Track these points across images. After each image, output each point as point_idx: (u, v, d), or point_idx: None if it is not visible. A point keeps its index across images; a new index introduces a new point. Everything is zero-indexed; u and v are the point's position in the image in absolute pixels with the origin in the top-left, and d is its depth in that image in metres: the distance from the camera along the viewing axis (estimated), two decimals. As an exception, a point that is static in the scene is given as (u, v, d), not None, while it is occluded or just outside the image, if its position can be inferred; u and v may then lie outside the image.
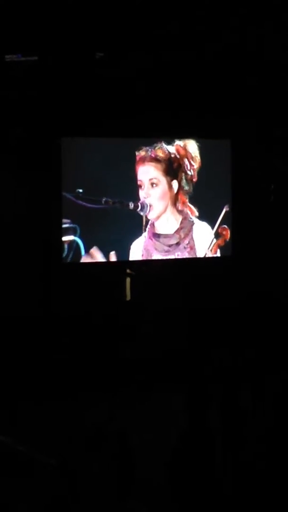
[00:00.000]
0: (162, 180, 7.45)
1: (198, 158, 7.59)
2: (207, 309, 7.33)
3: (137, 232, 7.45)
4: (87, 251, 7.26)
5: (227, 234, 7.75)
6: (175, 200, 7.51)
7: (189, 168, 7.57)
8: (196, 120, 7.45)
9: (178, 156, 7.53)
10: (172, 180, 7.48)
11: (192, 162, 7.58)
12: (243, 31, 6.49)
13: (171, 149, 7.50)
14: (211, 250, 7.69)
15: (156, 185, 7.43)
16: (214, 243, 7.70)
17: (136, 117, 7.25)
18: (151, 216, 7.43)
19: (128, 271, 7.45)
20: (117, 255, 7.38)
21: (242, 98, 7.64)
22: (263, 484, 4.38)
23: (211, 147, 7.75)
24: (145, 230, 7.45)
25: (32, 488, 4.61)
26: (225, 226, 7.73)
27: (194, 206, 7.60)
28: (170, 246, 7.56)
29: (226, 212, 7.71)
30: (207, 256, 7.67)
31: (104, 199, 7.24)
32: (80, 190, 7.17)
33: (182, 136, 7.55)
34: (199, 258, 7.68)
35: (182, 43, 6.65)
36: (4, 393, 6.21)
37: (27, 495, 4.52)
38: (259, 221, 7.93)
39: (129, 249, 7.43)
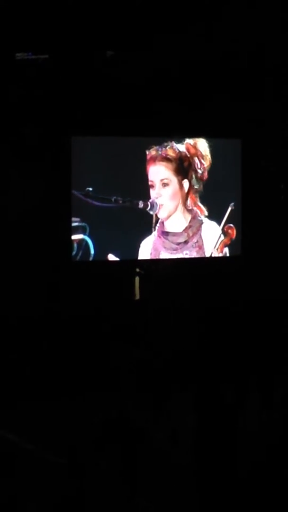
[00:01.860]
0: (173, 179, 7.44)
1: (208, 156, 7.58)
2: (217, 310, 7.31)
3: (147, 231, 7.45)
4: (96, 250, 7.26)
5: (233, 232, 7.73)
6: (185, 199, 7.50)
7: (199, 166, 7.55)
8: (206, 119, 7.44)
9: (188, 154, 7.51)
10: (183, 179, 7.47)
11: (202, 160, 7.56)
12: (256, 31, 6.48)
13: (181, 147, 7.49)
14: (217, 249, 7.68)
15: (168, 185, 7.42)
16: (221, 242, 7.68)
17: (147, 116, 7.24)
18: (161, 215, 7.42)
19: (137, 270, 7.44)
20: (127, 254, 7.38)
21: (253, 98, 7.62)
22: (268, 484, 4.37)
23: (222, 146, 7.73)
24: (155, 229, 7.45)
25: (41, 486, 4.60)
26: (231, 225, 7.71)
27: (204, 205, 7.60)
28: (178, 244, 7.56)
29: (231, 210, 7.69)
30: (213, 255, 7.66)
31: (114, 198, 7.24)
32: (90, 189, 7.17)
33: (192, 135, 7.53)
34: (208, 258, 7.67)
35: (194, 41, 6.65)
36: (11, 391, 6.21)
37: (36, 494, 4.52)
38: (269, 220, 7.90)
39: (138, 248, 7.43)
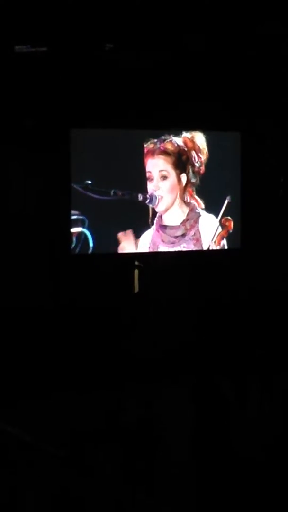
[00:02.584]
0: (172, 173, 7.45)
1: (205, 150, 7.58)
2: (216, 302, 7.33)
3: (146, 224, 7.46)
4: (95, 242, 7.27)
5: (230, 225, 7.74)
6: (183, 193, 7.51)
7: (196, 160, 7.56)
8: (206, 113, 7.43)
9: (185, 148, 7.51)
10: (181, 173, 7.48)
11: (199, 154, 7.57)
12: (255, 24, 6.46)
13: (179, 141, 7.49)
14: (214, 242, 7.68)
15: (166, 178, 7.43)
16: (218, 234, 7.69)
17: (147, 109, 7.24)
18: (159, 208, 7.44)
19: (136, 263, 7.44)
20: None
21: (253, 91, 7.62)
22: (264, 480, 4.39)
23: (220, 140, 7.73)
24: (153, 223, 7.46)
25: (40, 478, 4.62)
26: (229, 217, 7.72)
27: (201, 198, 7.59)
28: (176, 237, 7.57)
29: (228, 203, 7.69)
30: (211, 248, 7.66)
31: (113, 191, 7.24)
32: (89, 182, 7.17)
33: (191, 128, 7.53)
34: (207, 251, 7.68)
35: (192, 34, 6.64)
36: (10, 385, 6.22)
37: (35, 486, 4.54)
38: (268, 214, 7.91)
39: (137, 241, 7.43)
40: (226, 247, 7.74)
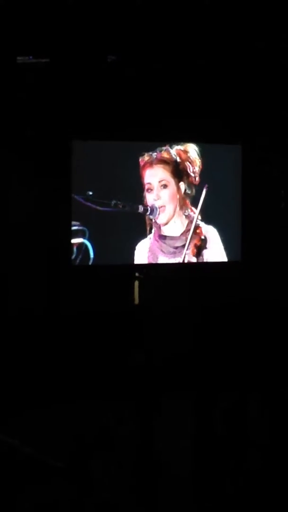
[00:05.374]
0: (171, 181, 7.46)
1: (197, 161, 7.56)
2: (216, 314, 7.30)
3: (143, 235, 7.45)
4: (96, 253, 7.27)
5: (201, 231, 7.62)
6: (182, 202, 7.51)
7: (191, 170, 7.55)
8: (206, 125, 7.45)
9: (180, 160, 7.51)
10: (179, 181, 7.49)
11: (193, 165, 7.56)
12: (255, 36, 6.49)
13: (173, 152, 7.50)
14: (189, 252, 7.59)
15: (166, 186, 7.44)
16: (191, 243, 7.60)
17: (149, 121, 7.25)
18: (160, 220, 7.43)
19: (136, 274, 7.44)
20: (126, 258, 7.39)
21: (254, 103, 7.63)
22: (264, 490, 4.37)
23: (221, 152, 7.75)
24: (150, 232, 7.45)
25: (39, 490, 4.60)
26: (200, 224, 7.60)
27: (201, 209, 7.57)
28: (176, 248, 7.56)
29: (207, 191, 7.55)
30: (186, 258, 7.58)
31: (113, 202, 7.25)
32: (90, 193, 7.18)
33: (191, 141, 7.54)
34: (208, 263, 7.67)
35: (191, 47, 6.66)
36: (9, 395, 6.20)
37: (33, 497, 4.52)
38: (269, 226, 7.90)
39: (134, 251, 7.44)
40: (205, 260, 7.66)
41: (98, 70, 6.88)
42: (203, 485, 4.14)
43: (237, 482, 4.35)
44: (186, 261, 7.56)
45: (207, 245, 7.68)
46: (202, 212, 7.56)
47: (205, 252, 7.67)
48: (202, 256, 7.66)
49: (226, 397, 4.79)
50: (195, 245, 7.64)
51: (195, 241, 7.63)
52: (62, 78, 6.95)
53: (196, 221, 7.56)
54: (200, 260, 7.64)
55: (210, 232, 7.67)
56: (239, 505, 4.20)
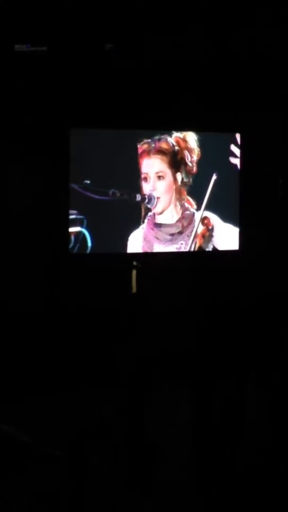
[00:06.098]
0: (168, 172, 7.44)
1: (196, 150, 7.55)
2: (215, 303, 7.30)
3: (138, 223, 7.45)
4: (93, 242, 7.26)
5: (209, 222, 7.64)
6: (178, 192, 7.50)
7: (189, 159, 7.54)
8: (204, 113, 7.43)
9: (179, 148, 7.49)
10: (176, 172, 7.46)
11: (192, 154, 7.54)
12: (252, 27, 6.47)
13: (172, 140, 7.47)
14: (195, 241, 7.61)
15: (163, 178, 7.42)
16: (199, 233, 7.63)
17: (147, 109, 7.24)
18: (157, 209, 7.43)
19: (134, 263, 7.43)
20: (124, 246, 7.39)
21: (252, 91, 7.61)
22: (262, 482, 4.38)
23: (219, 141, 7.72)
24: (143, 221, 7.44)
25: (35, 478, 4.60)
26: (208, 215, 7.63)
27: (193, 199, 7.56)
28: (172, 235, 7.55)
29: (215, 180, 7.56)
30: (191, 249, 7.59)
31: (111, 191, 7.24)
32: (88, 182, 7.16)
33: (189, 129, 7.52)
34: (207, 252, 7.66)
35: (190, 36, 6.64)
36: (8, 386, 6.20)
37: (30, 486, 4.52)
38: (267, 216, 7.90)
39: (127, 240, 7.43)
40: (210, 249, 7.67)
41: (96, 58, 6.85)
42: (203, 471, 4.14)
43: (235, 468, 4.36)
44: (185, 249, 7.56)
45: (214, 233, 7.69)
46: (195, 202, 7.54)
47: (213, 240, 7.70)
48: (212, 243, 7.69)
49: (225, 385, 4.79)
50: (203, 235, 7.65)
51: (203, 231, 7.63)
52: (60, 66, 6.93)
53: (202, 211, 7.56)
54: (209, 249, 7.66)
55: (216, 221, 7.65)
56: (238, 490, 4.21)
